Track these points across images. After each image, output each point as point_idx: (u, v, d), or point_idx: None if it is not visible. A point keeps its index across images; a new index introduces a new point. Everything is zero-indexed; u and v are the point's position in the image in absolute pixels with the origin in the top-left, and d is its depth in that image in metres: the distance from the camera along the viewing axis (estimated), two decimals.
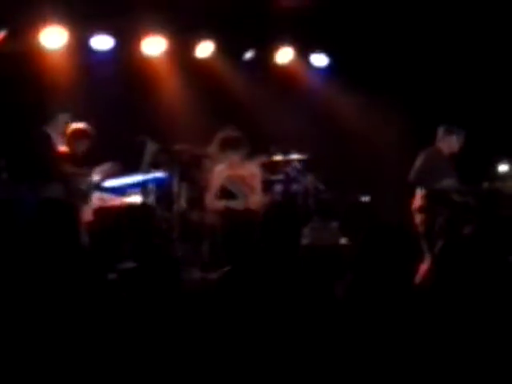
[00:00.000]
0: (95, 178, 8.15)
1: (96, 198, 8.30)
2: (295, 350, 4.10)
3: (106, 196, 8.55)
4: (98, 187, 8.54)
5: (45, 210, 4.74)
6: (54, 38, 9.03)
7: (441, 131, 8.85)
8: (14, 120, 8.75)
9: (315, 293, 4.41)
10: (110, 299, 4.65)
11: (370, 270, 4.05)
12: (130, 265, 5.23)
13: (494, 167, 9.07)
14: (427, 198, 8.59)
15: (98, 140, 8.96)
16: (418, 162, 8.73)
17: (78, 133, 8.29)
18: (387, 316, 3.94)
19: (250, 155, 8.86)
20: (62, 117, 8.15)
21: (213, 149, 9.42)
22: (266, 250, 4.51)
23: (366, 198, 9.83)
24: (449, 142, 8.82)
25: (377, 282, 4.01)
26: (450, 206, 8.39)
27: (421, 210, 8.65)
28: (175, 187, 9.05)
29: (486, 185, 8.75)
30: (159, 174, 9.03)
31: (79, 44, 9.30)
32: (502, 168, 9.05)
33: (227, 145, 8.53)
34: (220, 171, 8.58)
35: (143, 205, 8.61)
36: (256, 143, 9.11)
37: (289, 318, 4.23)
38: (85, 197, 8.06)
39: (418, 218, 8.67)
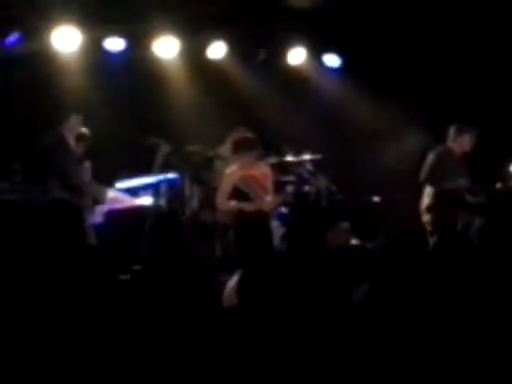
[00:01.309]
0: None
1: (110, 197, 8.34)
2: (310, 353, 4.09)
3: (120, 195, 8.58)
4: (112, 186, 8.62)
5: (51, 211, 4.75)
6: (67, 40, 9.06)
7: (452, 130, 8.81)
8: (29, 123, 8.80)
9: (331, 295, 4.40)
10: (121, 300, 4.65)
11: (389, 279, 4.02)
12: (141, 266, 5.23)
13: (507, 167, 9.04)
14: (436, 197, 8.57)
15: (110, 141, 9.04)
16: (428, 161, 8.71)
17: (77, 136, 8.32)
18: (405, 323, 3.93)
19: (262, 156, 8.86)
20: (75, 118, 8.19)
21: (224, 150, 9.44)
22: (289, 252, 4.50)
23: (376, 199, 9.81)
24: (460, 142, 8.77)
25: (395, 292, 3.99)
26: (462, 207, 8.38)
27: (429, 209, 8.64)
28: (187, 188, 9.09)
29: (498, 185, 8.72)
30: (171, 176, 9.06)
31: (92, 46, 9.34)
32: None
33: (241, 146, 8.49)
34: (232, 172, 8.54)
35: (155, 206, 8.63)
36: (268, 144, 9.12)
37: (307, 321, 4.21)
38: (100, 197, 8.13)
39: (426, 217, 8.66)
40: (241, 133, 8.73)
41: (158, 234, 5.25)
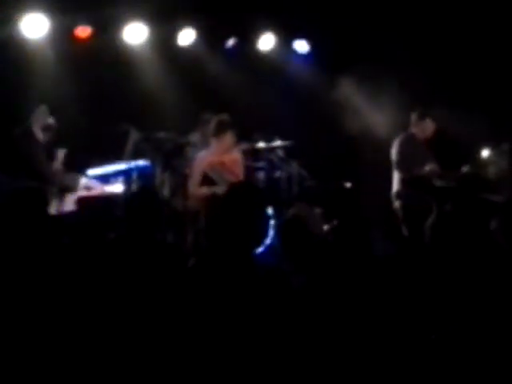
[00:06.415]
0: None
1: (83, 186, 8.33)
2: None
3: (92, 183, 8.56)
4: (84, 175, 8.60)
5: (17, 198, 4.74)
6: (34, 26, 8.97)
7: (414, 116, 8.92)
8: None
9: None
10: (86, 284, 4.61)
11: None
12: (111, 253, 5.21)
13: (477, 153, 9.11)
14: (405, 183, 8.66)
15: (80, 128, 8.99)
16: (394, 148, 8.82)
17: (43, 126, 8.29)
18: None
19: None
20: (41, 108, 8.16)
21: (196, 137, 9.43)
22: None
23: (347, 185, 9.86)
24: (422, 127, 8.88)
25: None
26: (430, 191, 8.45)
27: (398, 195, 8.72)
28: (158, 176, 9.07)
29: (467, 170, 8.80)
30: (142, 163, 9.03)
31: (61, 33, 9.25)
32: (485, 153, 9.09)
33: (226, 125, 8.55)
34: (201, 158, 8.60)
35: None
36: (239, 130, 9.12)
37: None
38: (72, 185, 8.12)
39: (397, 204, 8.74)
40: (220, 116, 8.80)
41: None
